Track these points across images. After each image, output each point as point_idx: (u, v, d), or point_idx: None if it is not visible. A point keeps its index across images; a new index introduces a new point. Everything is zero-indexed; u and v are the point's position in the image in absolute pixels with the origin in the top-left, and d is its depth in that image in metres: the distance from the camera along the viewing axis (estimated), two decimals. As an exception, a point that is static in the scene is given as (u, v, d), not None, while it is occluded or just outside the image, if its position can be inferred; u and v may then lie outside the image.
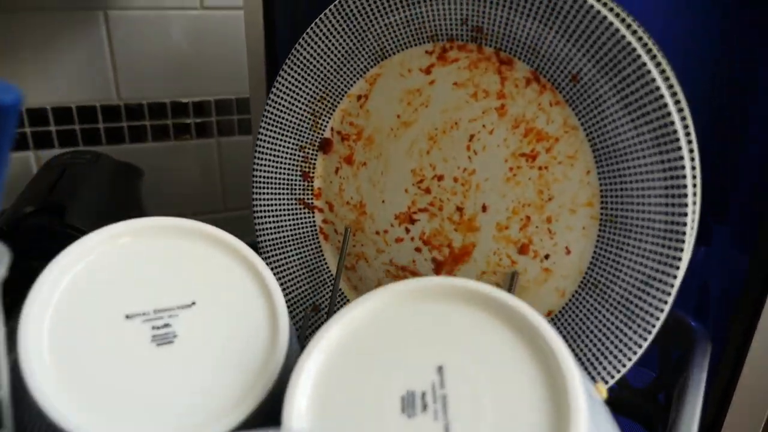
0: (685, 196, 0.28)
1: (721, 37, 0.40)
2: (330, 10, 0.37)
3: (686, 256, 0.29)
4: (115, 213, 0.51)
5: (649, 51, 0.32)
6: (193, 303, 0.27)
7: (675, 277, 0.29)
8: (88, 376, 0.24)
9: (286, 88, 0.39)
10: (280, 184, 0.41)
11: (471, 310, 0.23)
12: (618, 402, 0.41)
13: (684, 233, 0.28)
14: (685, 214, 0.28)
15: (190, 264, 0.28)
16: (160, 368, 0.25)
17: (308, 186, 0.41)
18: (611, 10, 0.32)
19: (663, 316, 0.29)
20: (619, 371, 0.30)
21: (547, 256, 0.34)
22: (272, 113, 0.40)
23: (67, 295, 0.26)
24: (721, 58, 0.41)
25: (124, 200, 0.56)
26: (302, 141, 0.41)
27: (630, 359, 0.30)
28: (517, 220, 0.34)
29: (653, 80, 0.28)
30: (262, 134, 0.41)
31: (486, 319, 0.23)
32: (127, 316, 0.26)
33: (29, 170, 0.72)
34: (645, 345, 0.30)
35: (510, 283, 0.34)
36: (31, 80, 0.68)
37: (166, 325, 0.27)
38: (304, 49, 0.38)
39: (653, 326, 0.29)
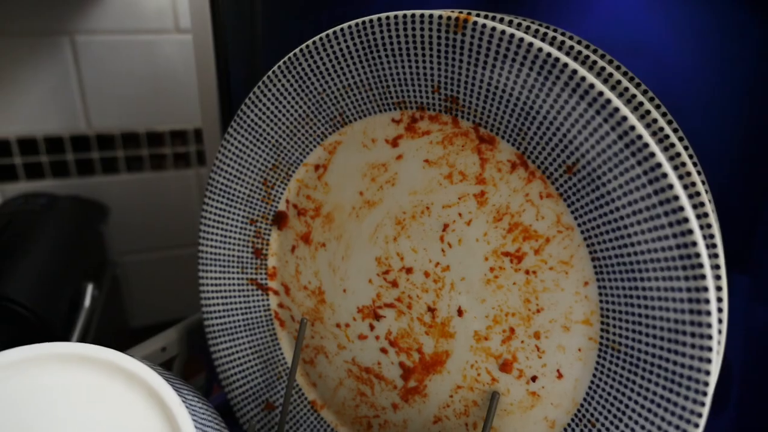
0: (710, 327, 0.22)
1: (742, 88, 0.34)
2: (279, 67, 0.30)
3: (706, 409, 0.22)
4: (60, 280, 0.45)
5: (666, 137, 0.25)
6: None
7: (699, 427, 0.22)
8: None
9: (234, 153, 0.34)
10: (229, 261, 0.35)
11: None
12: None
13: (708, 382, 0.22)
14: (710, 352, 0.22)
15: (84, 400, 0.23)
16: None
17: (261, 264, 0.35)
18: (619, 80, 0.26)
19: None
20: None
21: (534, 378, 0.27)
22: (219, 181, 0.34)
23: None
24: (742, 109, 0.34)
25: (77, 256, 0.51)
26: (254, 214, 0.35)
27: None
28: (498, 330, 0.28)
29: (663, 173, 0.21)
30: (208, 204, 0.35)
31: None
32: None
33: (-6, 204, 0.67)
34: None
35: (489, 406, 0.28)
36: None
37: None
38: (252, 111, 0.32)
39: (665, 491, 0.23)
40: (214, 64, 0.39)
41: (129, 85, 0.67)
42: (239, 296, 0.36)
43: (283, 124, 0.32)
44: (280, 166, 0.33)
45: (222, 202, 0.35)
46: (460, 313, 0.29)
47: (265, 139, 0.33)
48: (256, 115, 0.32)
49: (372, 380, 0.33)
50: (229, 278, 0.36)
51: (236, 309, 0.36)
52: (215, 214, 0.35)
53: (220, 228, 0.35)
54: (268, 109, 0.32)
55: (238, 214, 0.35)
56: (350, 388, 0.34)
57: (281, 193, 0.34)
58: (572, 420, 0.26)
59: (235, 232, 0.35)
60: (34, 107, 0.65)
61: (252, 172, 0.34)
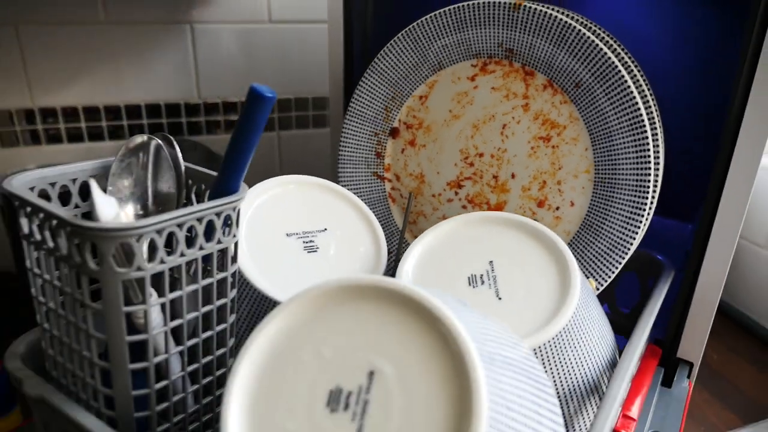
0: (649, 163, 0.43)
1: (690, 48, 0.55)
2: (402, 34, 0.51)
3: (650, 205, 0.43)
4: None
5: (627, 66, 0.46)
6: (325, 229, 0.42)
7: (643, 217, 0.43)
8: (269, 261, 0.39)
9: (366, 90, 0.54)
10: (359, 161, 0.56)
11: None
12: (612, 323, 0.55)
13: (648, 189, 0.43)
14: (648, 177, 0.43)
15: (324, 208, 0.44)
16: (309, 266, 0.40)
17: (380, 162, 0.56)
18: (602, 39, 0.47)
19: (635, 243, 0.44)
20: (606, 280, 0.45)
21: (557, 208, 0.48)
22: (354, 108, 0.55)
23: (253, 215, 0.41)
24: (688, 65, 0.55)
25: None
26: (377, 129, 0.55)
27: (613, 272, 0.45)
28: (536, 183, 0.49)
29: (628, 87, 0.42)
30: (346, 123, 0.55)
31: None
32: (287, 234, 0.41)
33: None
34: (623, 262, 0.44)
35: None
36: (128, 81, 0.83)
37: (311, 241, 0.42)
38: (381, 62, 0.53)
39: (628, 250, 0.44)
40: (343, 45, 0.60)
41: (230, 63, 0.87)
42: (365, 184, 0.56)
43: (401, 70, 0.53)
44: (396, 97, 0.54)
45: (356, 122, 0.55)
46: (513, 176, 0.50)
47: (387, 80, 0.54)
48: (383, 64, 0.53)
49: (455, 226, 0.53)
50: (358, 172, 0.56)
51: (363, 192, 0.56)
52: (351, 129, 0.55)
53: (353, 139, 0.56)
54: (391, 60, 0.53)
55: (366, 130, 0.55)
56: (441, 234, 0.54)
57: (396, 115, 0.55)
58: (579, 228, 0.47)
59: (364, 142, 0.56)
60: (160, 80, 0.85)
61: (377, 101, 0.54)
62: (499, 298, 0.37)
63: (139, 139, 0.36)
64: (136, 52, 0.82)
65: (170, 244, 0.30)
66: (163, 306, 0.31)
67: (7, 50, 0.76)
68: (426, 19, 0.50)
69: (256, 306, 0.39)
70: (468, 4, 0.48)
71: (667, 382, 0.49)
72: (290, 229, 0.41)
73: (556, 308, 0.35)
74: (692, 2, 0.52)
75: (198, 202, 0.38)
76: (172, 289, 0.31)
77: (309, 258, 0.41)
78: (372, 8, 0.61)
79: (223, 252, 0.34)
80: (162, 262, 0.30)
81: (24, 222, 0.31)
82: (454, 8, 0.48)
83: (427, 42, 0.51)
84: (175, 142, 0.37)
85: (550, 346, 0.35)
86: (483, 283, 0.36)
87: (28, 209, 0.30)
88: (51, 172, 0.34)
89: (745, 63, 0.42)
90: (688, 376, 0.50)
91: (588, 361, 0.37)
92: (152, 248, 0.30)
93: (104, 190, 0.36)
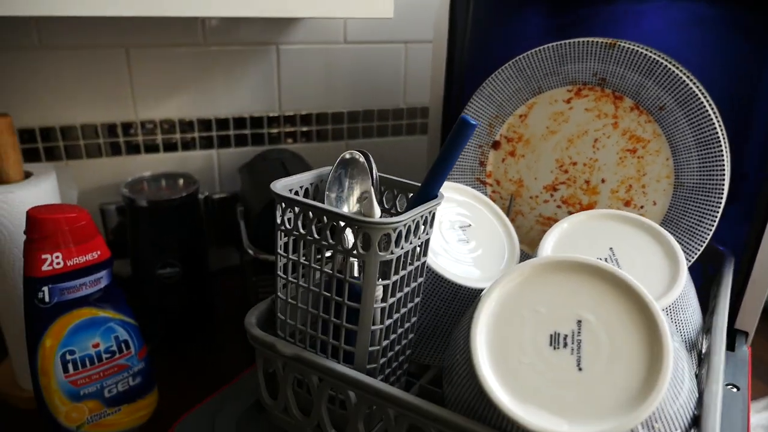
0: (723, 171, 0.54)
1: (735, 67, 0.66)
2: (508, 64, 0.62)
3: (720, 210, 0.55)
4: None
5: (701, 92, 0.58)
6: (470, 225, 0.53)
7: (716, 214, 0.55)
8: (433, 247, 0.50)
9: (473, 109, 0.65)
10: (464, 168, 0.67)
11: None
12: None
13: (722, 191, 0.54)
14: (722, 182, 0.54)
15: (467, 209, 0.54)
16: (463, 252, 0.51)
17: (483, 170, 0.67)
18: (681, 71, 0.58)
19: (710, 235, 0.55)
20: (687, 262, 0.56)
21: (641, 207, 0.60)
22: (463, 125, 0.66)
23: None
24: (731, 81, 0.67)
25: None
26: (481, 141, 0.66)
27: (690, 260, 0.56)
28: (624, 187, 0.60)
29: (706, 110, 0.54)
30: (455, 138, 0.66)
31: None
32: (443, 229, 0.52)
33: (212, 165, 0.96)
34: (698, 253, 0.56)
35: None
36: (220, 97, 0.93)
37: (464, 234, 0.52)
38: (488, 87, 0.64)
39: (704, 241, 0.55)
40: (445, 63, 0.71)
41: (309, 80, 0.97)
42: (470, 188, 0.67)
43: (505, 93, 0.64)
44: (499, 116, 0.65)
45: (463, 137, 0.66)
46: (603, 181, 0.61)
47: (492, 101, 0.64)
48: (490, 89, 0.64)
49: (551, 223, 0.64)
50: (464, 178, 0.67)
51: (467, 195, 0.67)
52: (459, 143, 0.66)
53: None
54: (497, 85, 0.63)
55: (472, 142, 0.66)
56: (537, 230, 0.65)
57: (498, 130, 0.66)
58: (660, 223, 0.58)
59: (470, 152, 0.66)
60: (247, 96, 0.95)
61: (482, 119, 0.65)
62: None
63: (348, 155, 0.46)
64: (228, 71, 0.92)
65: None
66: (393, 283, 0.42)
67: (116, 70, 0.85)
68: (532, 52, 0.61)
69: (431, 285, 0.49)
70: (569, 42, 0.59)
71: (731, 347, 0.61)
72: (446, 225, 0.52)
73: (670, 282, 0.47)
74: (718, 35, 0.64)
75: (387, 203, 0.48)
76: (396, 271, 0.42)
77: (462, 246, 0.51)
78: (470, 29, 0.72)
79: (426, 242, 0.44)
80: (402, 248, 0.40)
81: (280, 215, 0.41)
82: (556, 45, 0.59)
83: (531, 71, 0.62)
84: (369, 155, 0.47)
85: (669, 309, 0.46)
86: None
87: (297, 208, 0.41)
88: (299, 178, 0.45)
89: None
90: (746, 343, 0.61)
91: (691, 323, 0.48)
92: (387, 239, 0.40)
93: (323, 193, 0.46)
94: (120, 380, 0.54)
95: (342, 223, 0.39)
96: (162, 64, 0.87)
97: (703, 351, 0.50)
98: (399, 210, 0.48)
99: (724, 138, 0.56)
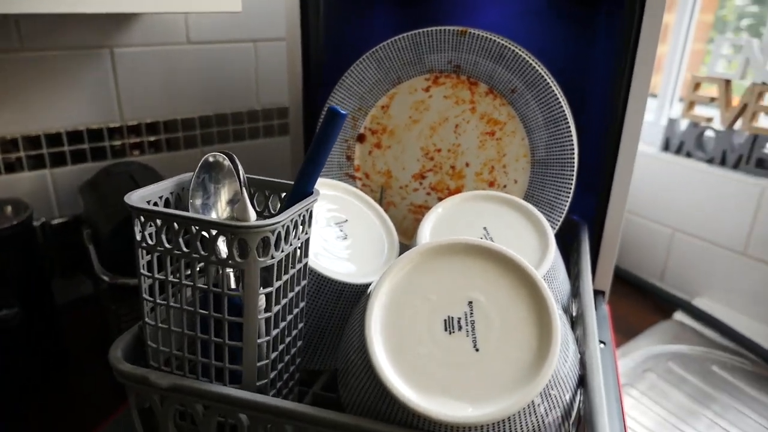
0: (572, 146, 0.58)
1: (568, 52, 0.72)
2: (366, 56, 0.62)
3: (573, 182, 0.59)
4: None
5: (546, 74, 0.62)
6: (347, 220, 0.52)
7: (570, 186, 0.59)
8: (317, 248, 0.48)
9: (335, 103, 0.64)
10: (332, 164, 0.65)
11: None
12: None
13: (573, 165, 0.58)
14: (572, 156, 0.58)
15: (342, 204, 0.53)
16: (343, 249, 0.49)
17: (350, 164, 0.66)
18: (527, 55, 0.61)
19: (567, 205, 0.59)
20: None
21: (504, 186, 0.62)
22: (326, 120, 0.64)
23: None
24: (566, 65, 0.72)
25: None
26: (346, 136, 0.65)
27: (554, 230, 0.60)
28: (487, 168, 0.62)
29: (552, 90, 0.57)
30: (319, 134, 0.64)
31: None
32: (323, 226, 0.50)
33: (45, 187, 0.85)
34: (558, 224, 0.59)
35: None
36: (47, 110, 0.82)
37: (341, 230, 0.51)
38: (347, 79, 0.63)
39: (562, 213, 0.59)
40: (301, 60, 0.68)
41: (152, 86, 0.89)
42: (339, 184, 0.66)
43: (365, 85, 0.63)
44: (362, 108, 0.64)
45: (328, 132, 0.64)
46: (467, 165, 0.63)
47: (354, 94, 0.63)
48: (349, 81, 0.63)
49: (423, 211, 0.65)
50: (332, 174, 0.65)
51: (338, 191, 0.65)
52: (324, 139, 0.64)
53: (326, 147, 0.64)
54: (357, 77, 0.63)
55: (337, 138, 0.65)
56: (410, 219, 0.66)
57: (362, 123, 0.65)
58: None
59: (336, 148, 0.65)
60: (81, 106, 0.84)
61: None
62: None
63: (211, 158, 0.42)
64: (54, 80, 0.82)
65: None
66: (276, 290, 0.39)
67: None
68: (388, 42, 0.61)
69: (314, 286, 0.47)
70: (424, 31, 0.59)
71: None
72: (323, 222, 0.50)
73: (541, 255, 0.49)
74: (551, 24, 0.69)
75: (259, 207, 0.45)
76: (279, 276, 0.39)
77: (341, 243, 0.50)
78: (324, 25, 0.70)
79: (306, 242, 0.42)
80: (283, 251, 0.37)
81: (140, 230, 0.37)
82: (412, 34, 0.60)
83: (388, 61, 0.62)
84: (234, 157, 0.44)
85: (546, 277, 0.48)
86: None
87: (158, 221, 0.36)
88: (156, 188, 0.40)
89: (623, 73, 0.59)
90: (604, 300, 0.67)
91: (562, 291, 0.51)
92: (266, 243, 0.37)
93: (187, 202, 0.42)
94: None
95: (214, 232, 0.35)
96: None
97: (575, 314, 0.53)
98: (273, 212, 0.45)
99: (569, 116, 0.60)
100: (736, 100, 0.83)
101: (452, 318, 0.36)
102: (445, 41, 0.59)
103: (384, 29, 0.76)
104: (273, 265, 0.37)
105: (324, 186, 0.53)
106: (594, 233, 0.68)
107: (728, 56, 0.85)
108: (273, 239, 0.36)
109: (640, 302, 0.89)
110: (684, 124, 0.89)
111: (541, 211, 0.59)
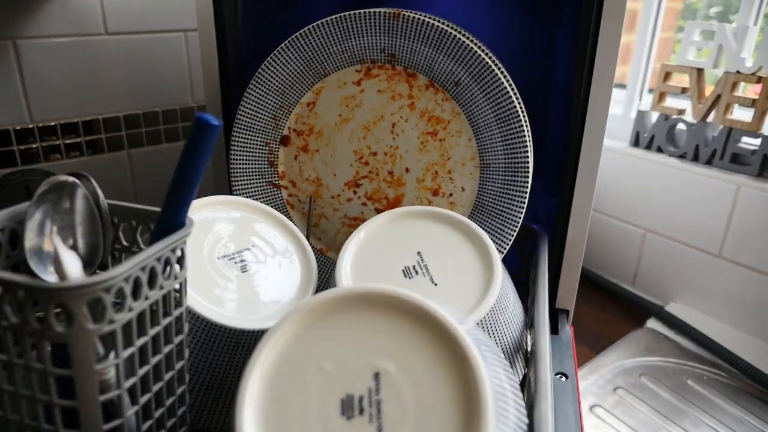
0: (525, 146, 0.50)
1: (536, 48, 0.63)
2: (286, 44, 0.52)
3: (528, 187, 0.50)
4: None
5: (495, 64, 0.53)
6: (253, 245, 0.43)
7: (525, 192, 0.50)
8: (206, 288, 0.39)
9: (252, 100, 0.54)
10: (252, 171, 0.56)
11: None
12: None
13: (527, 168, 0.50)
14: (527, 158, 0.50)
15: (247, 226, 0.43)
16: (247, 286, 0.40)
17: (274, 171, 0.57)
18: (473, 42, 0.52)
19: (522, 215, 0.51)
20: (503, 252, 0.51)
21: (450, 194, 0.54)
22: (241, 119, 0.55)
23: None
24: (534, 61, 0.64)
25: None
26: (267, 138, 0.56)
27: (508, 245, 0.51)
28: (430, 174, 0.54)
29: (502, 83, 0.49)
30: (235, 136, 0.55)
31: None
32: (217, 258, 0.41)
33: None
34: (514, 234, 0.51)
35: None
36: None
37: (242, 260, 0.42)
38: (265, 72, 0.53)
39: (518, 223, 0.51)
40: (217, 54, 0.58)
41: (67, 82, 0.78)
42: (261, 194, 0.56)
43: (286, 79, 0.54)
44: (284, 106, 0.55)
45: (244, 134, 0.55)
46: (407, 170, 0.54)
47: (274, 89, 0.54)
48: (268, 74, 0.53)
49: (358, 224, 0.56)
50: (252, 183, 0.56)
51: (260, 202, 0.56)
52: (240, 142, 0.55)
53: (244, 151, 0.55)
54: (276, 70, 0.53)
55: (257, 140, 0.55)
56: (344, 233, 0.57)
57: (285, 123, 0.55)
58: (472, 209, 0.53)
59: (255, 152, 0.56)
60: (-21, 105, 0.73)
61: (265, 111, 0.55)
62: (435, 284, 0.41)
63: (54, 180, 0.33)
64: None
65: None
66: (131, 356, 0.30)
67: None
68: (310, 28, 0.51)
69: (205, 335, 0.38)
70: (351, 14, 0.50)
71: (555, 330, 0.58)
72: (220, 252, 0.41)
73: (485, 286, 0.40)
74: (511, 13, 0.60)
75: (126, 239, 0.36)
76: (138, 335, 0.30)
77: (244, 279, 0.41)
78: (242, 15, 0.60)
79: (183, 285, 0.33)
80: (130, 309, 0.28)
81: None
82: (337, 17, 0.50)
83: (312, 50, 0.52)
84: (91, 178, 0.34)
85: (488, 317, 0.40)
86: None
87: (-47, 279, 0.27)
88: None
89: (583, 72, 0.51)
90: (567, 322, 0.59)
91: (513, 323, 0.43)
92: (100, 305, 0.28)
93: (23, 240, 0.32)
94: None
95: (23, 293, 0.26)
96: None
97: (529, 349, 0.45)
98: (143, 247, 0.36)
99: (523, 112, 0.52)
100: (709, 90, 0.75)
101: (352, 397, 0.27)
102: (375, 26, 0.50)
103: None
104: (115, 330, 0.28)
105: (222, 204, 0.44)
106: (555, 242, 0.60)
107: (699, 43, 0.77)
108: (109, 298, 0.27)
109: (610, 309, 0.82)
110: (654, 117, 0.81)
111: (493, 224, 0.51)
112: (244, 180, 0.56)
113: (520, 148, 0.50)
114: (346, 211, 0.56)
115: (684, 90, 0.78)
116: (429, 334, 0.28)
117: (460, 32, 0.51)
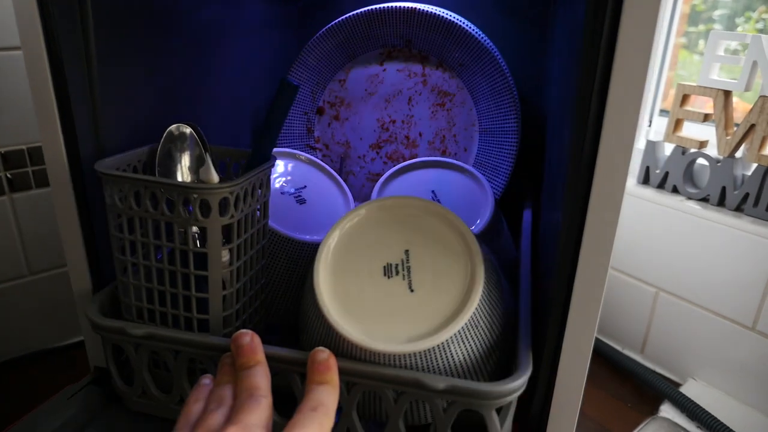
0: (512, 115, 0.63)
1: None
2: (323, 33, 0.65)
3: (516, 148, 0.64)
4: None
5: (492, 50, 0.66)
6: (305, 186, 0.56)
7: (513, 150, 0.63)
8: (276, 212, 0.52)
9: (295, 79, 0.67)
10: (293, 136, 0.69)
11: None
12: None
13: (516, 134, 0.63)
14: (516, 125, 0.63)
15: (300, 172, 0.57)
16: (303, 213, 0.54)
17: (311, 136, 0.70)
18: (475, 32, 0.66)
19: (511, 170, 0.64)
20: (497, 194, 0.65)
21: (455, 154, 0.67)
22: (287, 94, 0.67)
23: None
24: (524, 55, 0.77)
25: None
26: (305, 109, 0.69)
27: (499, 191, 0.64)
28: (438, 138, 0.67)
29: (495, 63, 0.62)
30: (280, 107, 0.68)
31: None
32: (281, 193, 0.54)
33: None
34: (504, 184, 0.64)
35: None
36: None
37: (299, 195, 0.55)
38: (306, 56, 0.66)
39: (507, 175, 0.64)
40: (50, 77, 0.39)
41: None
42: (300, 155, 0.69)
43: (323, 60, 0.67)
44: (320, 82, 0.68)
45: (289, 105, 0.68)
46: (420, 135, 0.67)
47: (312, 69, 0.67)
48: (308, 58, 0.66)
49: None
50: (294, 146, 0.69)
51: (300, 162, 0.69)
52: (285, 112, 0.68)
53: (288, 119, 0.68)
54: (314, 53, 0.66)
55: (297, 111, 0.68)
56: (369, 186, 0.70)
57: (320, 96, 0.68)
58: (473, 166, 0.66)
59: (296, 120, 0.69)
60: None
61: (305, 87, 0.68)
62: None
63: (175, 129, 0.46)
64: None
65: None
66: (237, 246, 0.43)
67: None
68: (344, 20, 0.64)
69: (274, 246, 0.51)
70: (377, 8, 0.63)
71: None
72: (283, 189, 0.54)
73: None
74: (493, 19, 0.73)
75: (222, 172, 0.49)
76: (239, 234, 0.43)
77: (300, 207, 0.54)
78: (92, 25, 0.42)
79: (265, 204, 0.46)
80: (242, 211, 0.41)
81: (110, 195, 0.40)
82: (366, 11, 0.63)
83: (344, 37, 0.65)
84: (198, 128, 0.47)
85: (485, 232, 0.53)
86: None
87: (127, 186, 0.40)
88: (124, 156, 0.43)
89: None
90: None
91: (507, 253, 0.56)
92: (226, 204, 0.41)
93: (155, 169, 0.45)
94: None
95: (177, 193, 0.39)
96: None
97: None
98: (234, 178, 0.49)
99: (513, 88, 0.65)
100: (739, 118, 0.60)
101: (390, 264, 0.40)
102: (396, 17, 0.63)
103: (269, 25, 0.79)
104: (233, 224, 0.41)
105: (284, 156, 0.57)
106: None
107: (725, 58, 0.61)
108: (232, 200, 0.40)
109: (616, 390, 0.67)
110: (668, 149, 0.67)
111: (488, 176, 0.64)
112: (286, 143, 0.69)
113: (510, 116, 0.63)
114: (370, 168, 0.70)
115: (707, 117, 0.63)
116: (445, 228, 0.41)
117: (464, 23, 0.64)
